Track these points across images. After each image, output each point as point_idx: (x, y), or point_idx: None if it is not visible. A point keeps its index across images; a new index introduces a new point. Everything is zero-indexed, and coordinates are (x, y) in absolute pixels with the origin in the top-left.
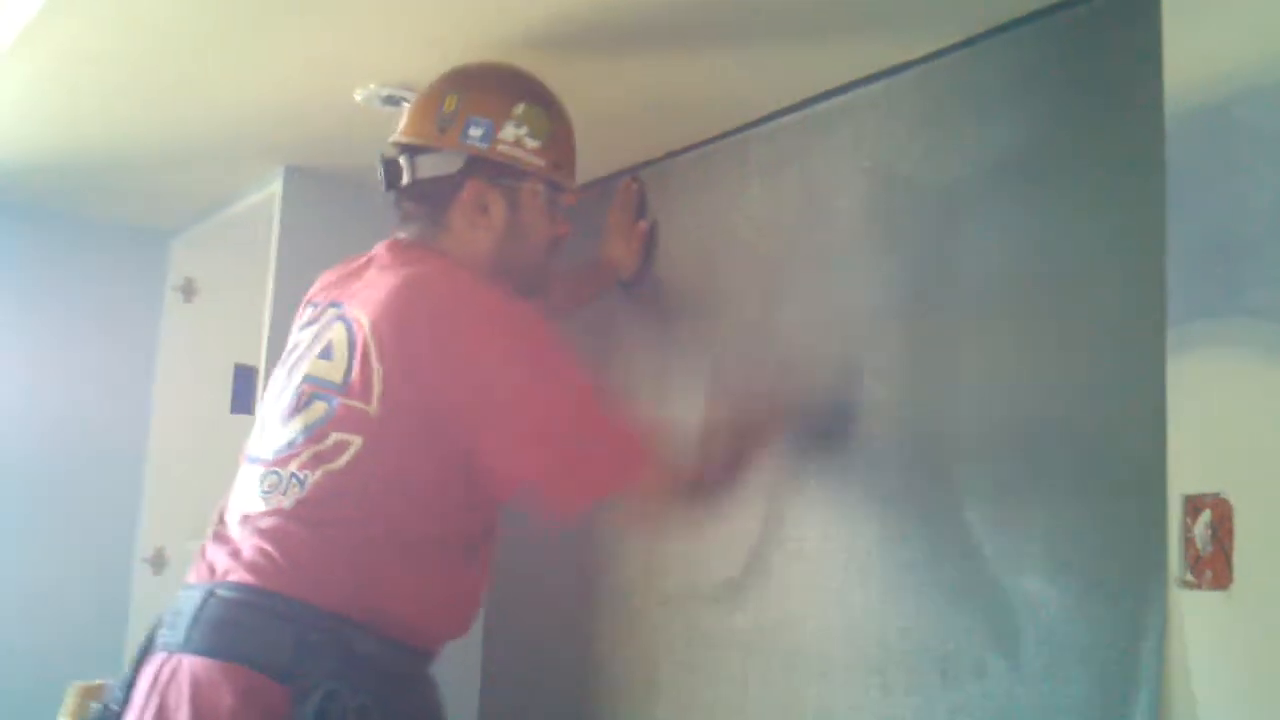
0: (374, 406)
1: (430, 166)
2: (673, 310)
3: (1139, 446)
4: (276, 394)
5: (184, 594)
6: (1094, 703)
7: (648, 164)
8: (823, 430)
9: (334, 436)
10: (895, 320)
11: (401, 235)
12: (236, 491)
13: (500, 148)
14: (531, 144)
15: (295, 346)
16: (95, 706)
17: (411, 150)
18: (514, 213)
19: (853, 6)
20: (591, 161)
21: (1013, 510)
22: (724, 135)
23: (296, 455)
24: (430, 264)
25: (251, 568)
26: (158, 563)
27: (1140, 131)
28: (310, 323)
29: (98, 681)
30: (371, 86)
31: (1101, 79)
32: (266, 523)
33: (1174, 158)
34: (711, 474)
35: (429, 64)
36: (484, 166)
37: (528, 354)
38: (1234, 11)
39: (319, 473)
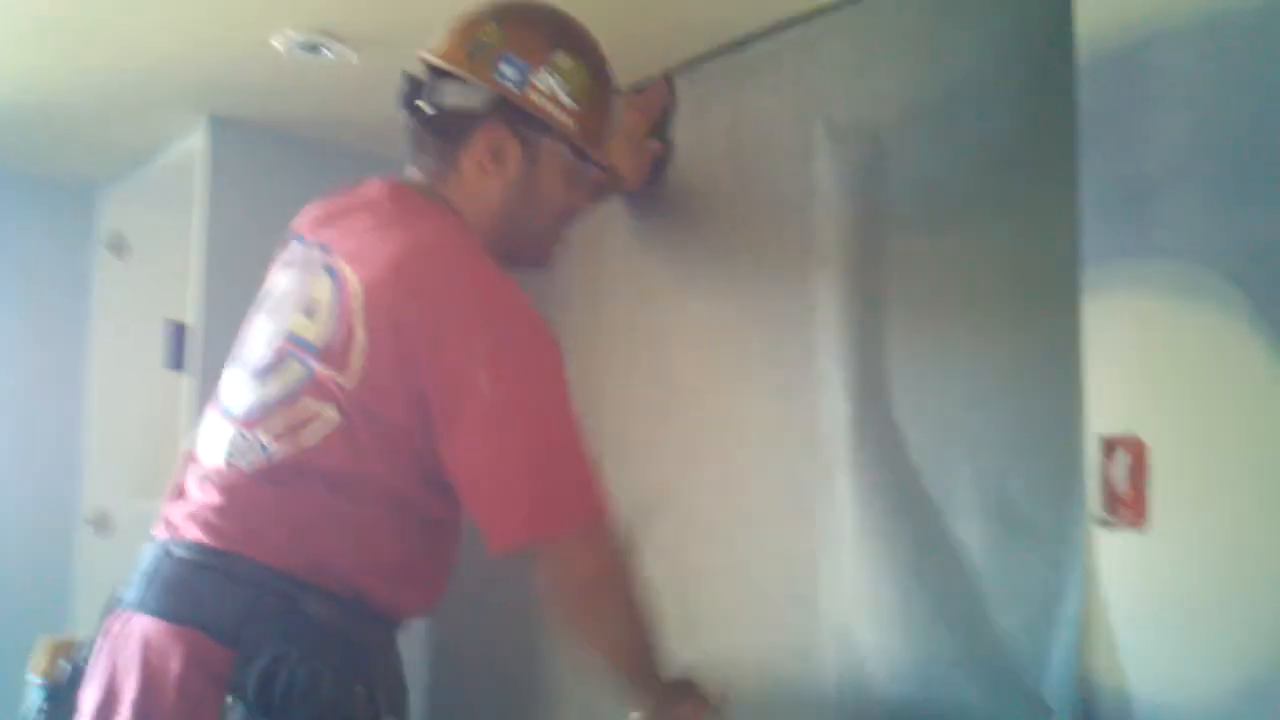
0: (350, 379)
1: (453, 95)
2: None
3: (1059, 386)
4: (253, 342)
5: (145, 549)
6: (1019, 642)
7: None
8: None
9: (305, 403)
10: (823, 262)
11: (406, 174)
12: (201, 442)
13: (531, 95)
14: (566, 101)
15: (274, 289)
16: (64, 665)
17: (436, 72)
18: (530, 167)
19: None
20: None
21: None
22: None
23: (268, 419)
24: (436, 227)
25: (206, 527)
26: (101, 524)
27: (1054, 75)
28: (292, 264)
29: (69, 637)
30: (289, 32)
31: (1018, 24)
32: (226, 482)
33: (1085, 101)
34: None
35: (350, 10)
36: (508, 111)
37: (514, 373)
38: None
39: (286, 442)
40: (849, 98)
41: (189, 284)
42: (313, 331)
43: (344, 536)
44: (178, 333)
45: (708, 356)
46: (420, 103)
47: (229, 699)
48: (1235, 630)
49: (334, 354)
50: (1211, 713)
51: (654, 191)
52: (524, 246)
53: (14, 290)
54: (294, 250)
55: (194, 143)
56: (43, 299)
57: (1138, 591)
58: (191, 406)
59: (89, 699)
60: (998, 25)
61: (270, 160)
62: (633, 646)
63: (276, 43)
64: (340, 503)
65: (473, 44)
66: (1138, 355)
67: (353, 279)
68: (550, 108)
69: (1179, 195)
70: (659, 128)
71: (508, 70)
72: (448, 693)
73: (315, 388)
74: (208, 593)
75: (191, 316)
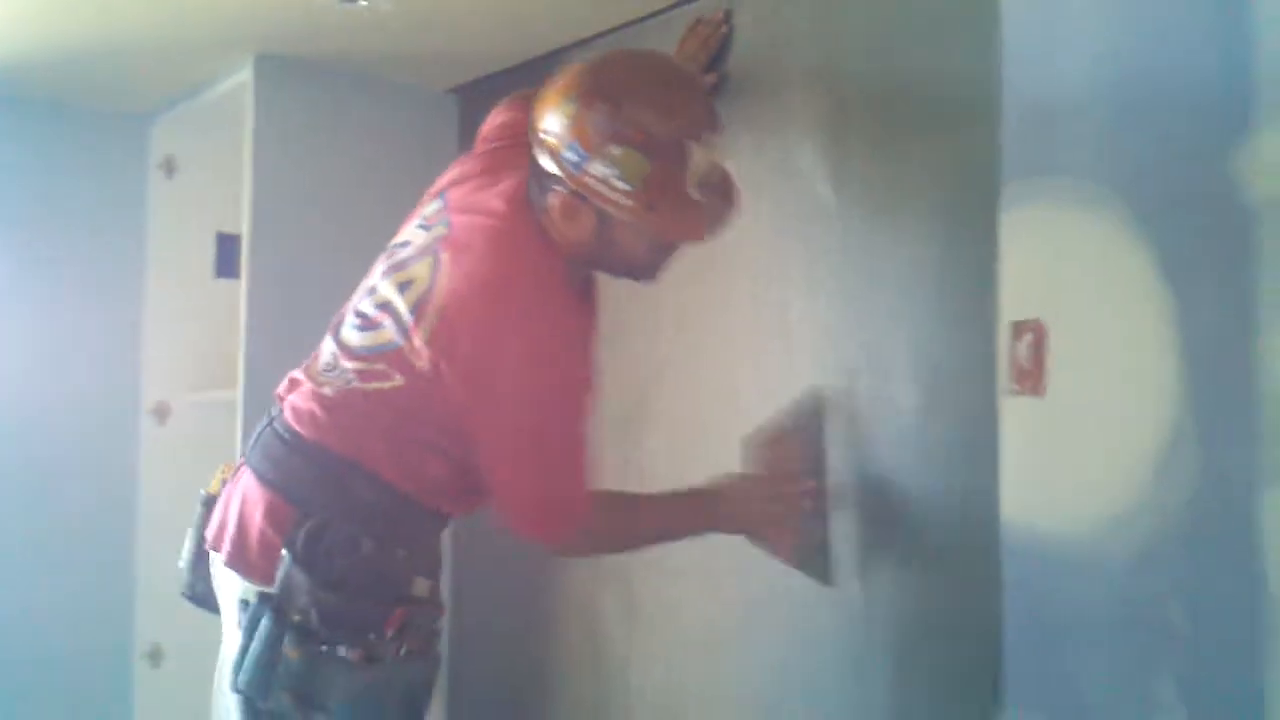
0: (419, 361)
1: (538, 157)
2: None
3: (979, 281)
4: (372, 286)
5: (262, 418)
6: (951, 496)
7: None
8: None
9: (381, 365)
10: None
11: (532, 192)
12: (320, 352)
13: (587, 180)
14: (620, 186)
15: (405, 243)
16: (223, 485)
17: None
18: (604, 229)
19: None
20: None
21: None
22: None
23: (357, 360)
24: (519, 269)
25: (298, 416)
26: (160, 414)
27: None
28: (423, 226)
29: (235, 464)
30: None
31: None
32: (321, 390)
33: (1008, 33)
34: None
35: None
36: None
37: (540, 391)
38: None
39: (364, 381)
40: (817, 39)
41: (238, 202)
42: (402, 310)
43: (397, 458)
44: (227, 244)
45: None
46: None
47: (284, 551)
48: (1105, 475)
49: (412, 333)
50: (1089, 538)
51: None
52: (617, 271)
53: (77, 210)
54: (430, 210)
55: (241, 77)
56: (102, 217)
57: (1035, 446)
58: (241, 307)
59: (215, 524)
60: None
61: (310, 92)
62: (662, 536)
63: None
64: (396, 434)
65: (549, 124)
66: (1042, 255)
67: (442, 283)
68: (605, 191)
69: (1081, 122)
70: (716, 60)
71: (569, 155)
72: (467, 671)
73: (393, 356)
74: (289, 464)
75: (244, 229)
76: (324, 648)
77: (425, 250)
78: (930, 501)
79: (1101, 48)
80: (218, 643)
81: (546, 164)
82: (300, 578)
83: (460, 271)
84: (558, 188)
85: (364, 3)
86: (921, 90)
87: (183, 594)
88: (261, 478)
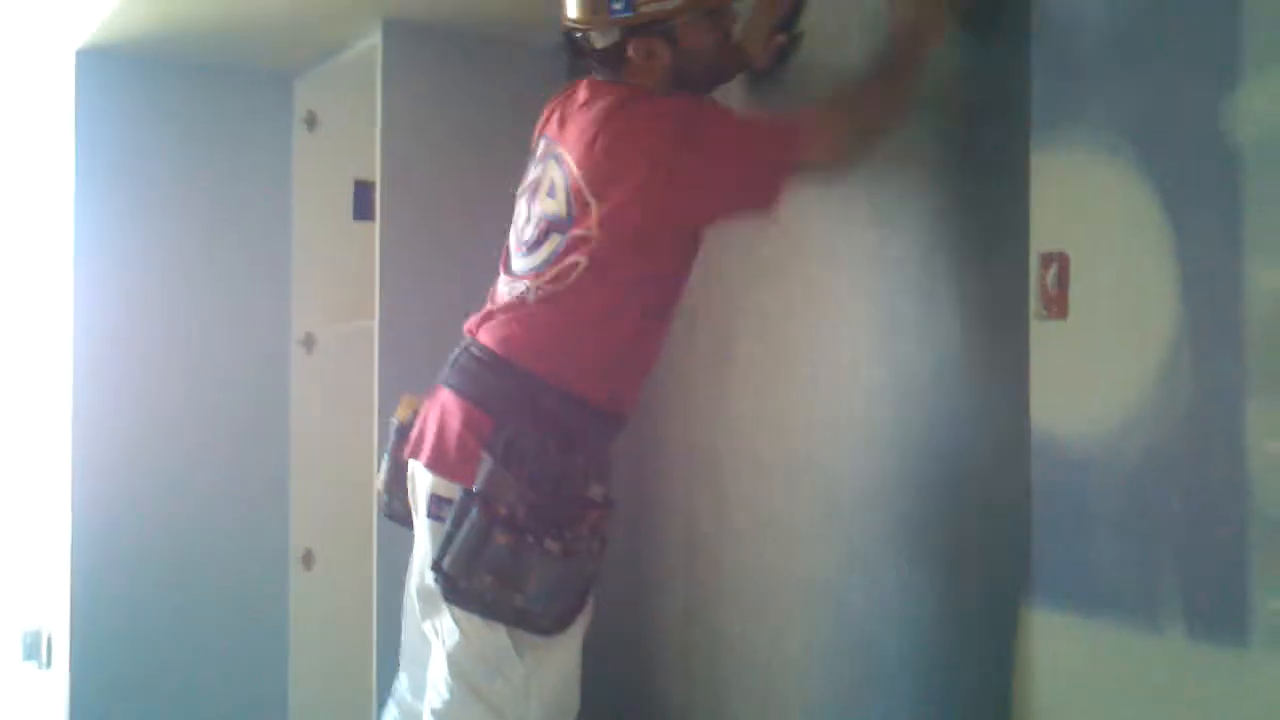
0: (594, 230)
1: (597, 40)
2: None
3: (1012, 214)
4: (522, 223)
5: (455, 348)
6: (971, 411)
7: None
8: None
9: (568, 260)
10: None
11: (600, 74)
12: (496, 288)
13: (643, 10)
14: None
15: (530, 181)
16: (410, 413)
17: (576, 30)
18: (677, 45)
19: None
20: None
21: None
22: None
23: (539, 275)
24: (609, 98)
25: (492, 338)
26: (308, 343)
27: None
28: (539, 159)
29: (416, 397)
30: None
31: None
32: (509, 314)
33: (1037, 3)
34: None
35: None
36: (636, 27)
37: (691, 125)
38: None
39: (553, 286)
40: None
41: (373, 152)
42: (558, 208)
43: (576, 357)
44: (364, 191)
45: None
46: (581, 50)
47: (484, 453)
48: (1117, 385)
49: (578, 218)
50: (1103, 441)
51: (779, 75)
52: (706, 77)
53: (231, 161)
54: (539, 146)
55: (372, 40)
56: (253, 167)
57: (1060, 364)
58: (376, 248)
59: (414, 437)
60: None
61: (434, 52)
62: (886, 105)
63: None
64: (578, 331)
65: (588, 1)
66: (1066, 194)
67: (569, 160)
68: (659, 7)
69: (1095, 76)
70: (790, 18)
71: (616, 6)
72: None
73: (571, 246)
74: (485, 380)
75: (378, 177)
76: (530, 538)
77: (546, 162)
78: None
79: (1120, 13)
80: (362, 548)
81: (604, 38)
82: (505, 478)
83: (583, 127)
84: (625, 43)
85: None
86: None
87: (382, 513)
88: (460, 392)
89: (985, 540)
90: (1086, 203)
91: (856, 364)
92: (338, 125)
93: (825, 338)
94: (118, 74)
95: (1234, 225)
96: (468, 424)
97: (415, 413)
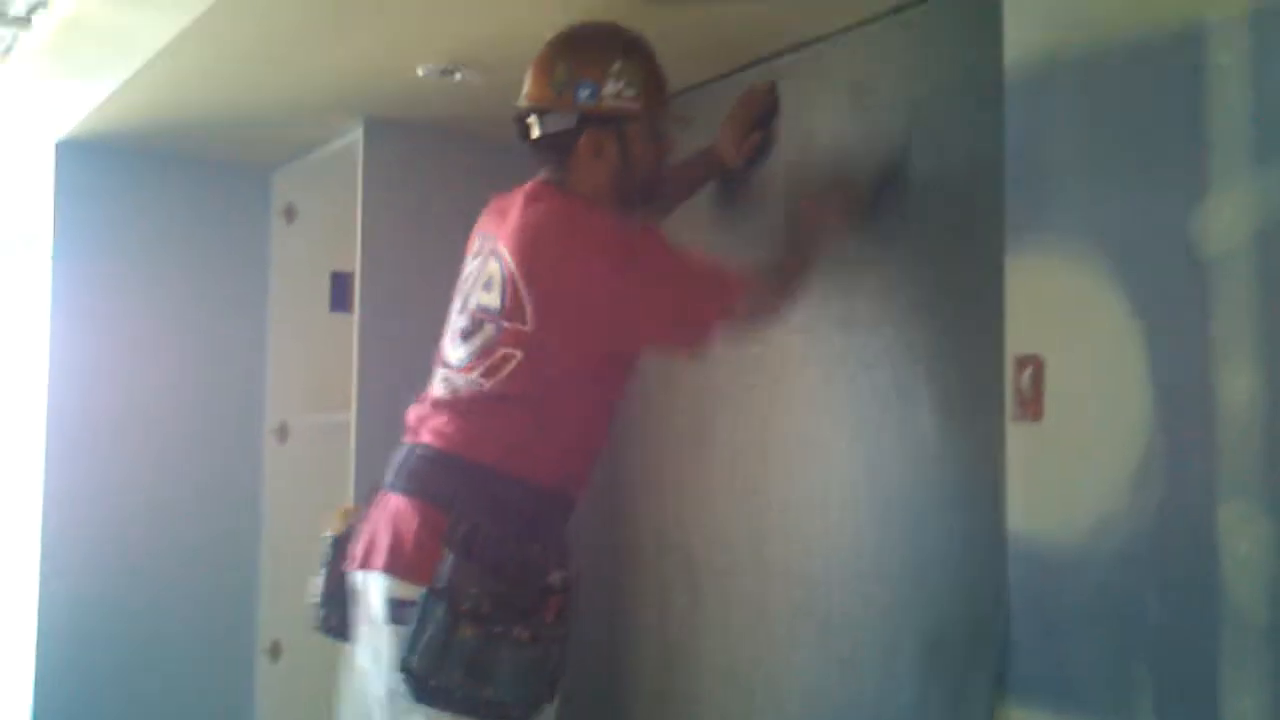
0: (530, 325)
1: (552, 123)
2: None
3: (988, 320)
4: (457, 314)
5: (397, 450)
6: (958, 499)
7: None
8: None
9: (500, 351)
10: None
11: (542, 175)
12: (433, 383)
13: (606, 103)
14: (630, 94)
15: (467, 276)
16: (346, 525)
17: (535, 110)
18: (624, 149)
19: None
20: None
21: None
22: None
23: (474, 366)
24: (553, 204)
25: (436, 436)
26: (282, 433)
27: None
28: (477, 254)
29: (351, 506)
30: (430, 64)
31: (967, 59)
32: (450, 408)
33: (1010, 113)
34: (785, 277)
35: (478, 47)
36: (595, 118)
37: (630, 258)
38: (1048, 6)
39: (489, 380)
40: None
41: (351, 244)
42: (493, 300)
43: (523, 445)
44: (341, 282)
45: None
46: (532, 133)
47: (445, 549)
48: (1089, 486)
49: (511, 311)
50: (1078, 542)
51: (751, 176)
52: (639, 194)
53: (209, 252)
54: (476, 242)
55: (353, 136)
56: (231, 258)
57: (1035, 465)
58: (353, 340)
59: (359, 547)
60: (954, 59)
61: (412, 149)
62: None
63: (420, 70)
64: (521, 419)
65: (553, 84)
66: (1040, 299)
67: (507, 255)
68: (621, 104)
69: (1068, 184)
70: (762, 122)
71: (583, 93)
72: None
73: (505, 338)
74: (436, 479)
75: (356, 268)
76: (499, 628)
77: (484, 257)
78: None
79: (1087, 125)
80: (331, 640)
81: (561, 121)
82: (467, 570)
83: (522, 227)
84: (580, 134)
85: (458, 76)
86: (941, 158)
87: (316, 627)
88: (412, 494)
89: (962, 637)
90: (1060, 307)
91: (833, 465)
92: (316, 217)
93: (802, 440)
94: (97, 165)
95: (1203, 332)
96: (425, 524)
97: (349, 526)
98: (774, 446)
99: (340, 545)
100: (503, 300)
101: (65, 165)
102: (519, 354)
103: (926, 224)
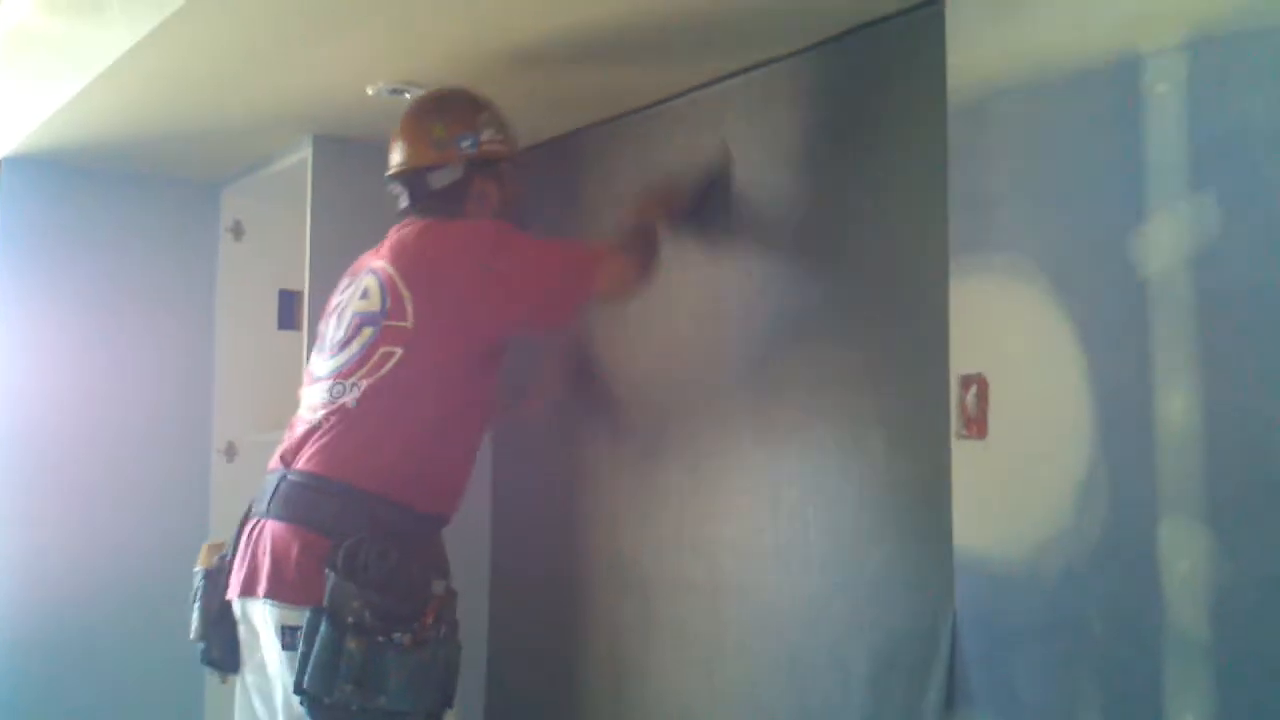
0: (410, 321)
1: (439, 179)
2: None
3: (933, 340)
4: (332, 331)
5: (268, 477)
6: (895, 529)
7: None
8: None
9: (381, 349)
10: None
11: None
12: (303, 403)
13: (485, 148)
14: (499, 138)
15: (338, 304)
16: (217, 558)
17: (418, 170)
18: (501, 189)
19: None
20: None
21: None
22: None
23: (354, 370)
24: (432, 219)
25: (310, 460)
26: (229, 452)
27: (935, 119)
28: (347, 287)
29: (219, 540)
30: (379, 83)
31: (908, 85)
32: (325, 435)
33: (953, 139)
34: (645, 248)
35: (426, 67)
36: (478, 165)
37: (500, 245)
38: (990, 37)
39: (370, 380)
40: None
41: (299, 262)
42: (372, 305)
43: (398, 466)
44: (288, 300)
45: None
46: (428, 189)
47: (327, 571)
48: (1036, 506)
49: (393, 310)
50: (1024, 559)
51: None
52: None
53: (156, 269)
54: (345, 282)
55: (302, 154)
56: (179, 275)
57: (981, 483)
58: (301, 358)
59: (236, 578)
60: (890, 87)
61: (362, 165)
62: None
63: (370, 89)
64: (397, 435)
65: (433, 143)
66: (984, 318)
67: (385, 266)
68: (496, 148)
69: (1010, 208)
70: (718, 179)
71: (464, 144)
72: (505, 679)
73: (386, 336)
74: (312, 503)
75: (305, 285)
76: (381, 637)
77: (359, 278)
78: (890, 533)
79: (1025, 147)
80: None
81: (451, 174)
82: (347, 587)
83: (399, 241)
84: (470, 181)
85: (407, 95)
86: (880, 179)
87: (201, 661)
88: (290, 521)
89: (910, 655)
90: (1003, 327)
91: (781, 485)
92: (264, 235)
93: (749, 463)
94: (43, 181)
95: (1142, 351)
96: (305, 548)
97: (221, 559)
98: (724, 469)
99: (212, 578)
100: (384, 302)
101: (10, 181)
102: (399, 350)
103: (868, 246)
